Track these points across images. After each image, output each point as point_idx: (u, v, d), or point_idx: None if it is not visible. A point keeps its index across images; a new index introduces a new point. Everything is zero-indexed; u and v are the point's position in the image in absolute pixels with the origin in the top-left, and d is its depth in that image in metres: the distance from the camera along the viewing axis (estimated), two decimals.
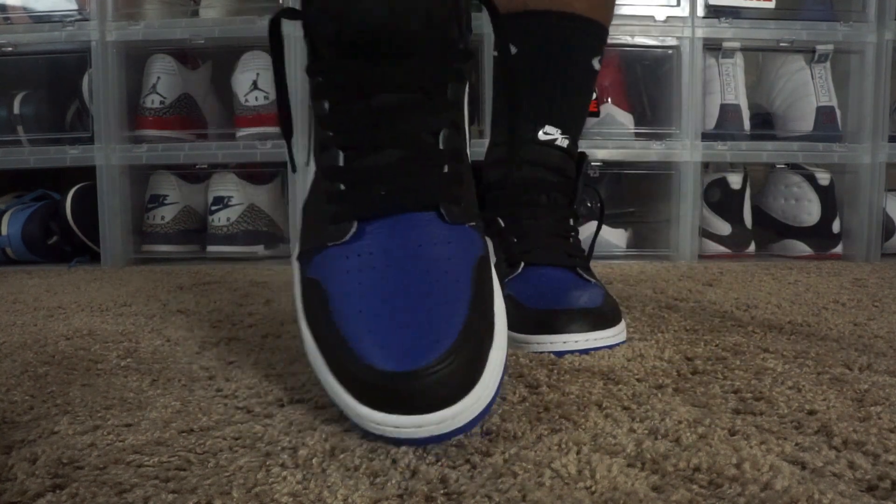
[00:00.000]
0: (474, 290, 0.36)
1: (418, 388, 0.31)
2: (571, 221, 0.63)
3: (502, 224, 0.62)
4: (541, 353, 0.51)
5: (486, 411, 0.34)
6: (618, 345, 0.52)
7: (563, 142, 0.63)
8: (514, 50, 0.63)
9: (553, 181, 0.62)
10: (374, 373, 0.32)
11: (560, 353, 0.50)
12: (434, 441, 0.32)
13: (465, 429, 0.33)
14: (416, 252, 0.37)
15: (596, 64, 0.66)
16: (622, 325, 0.54)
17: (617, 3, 1.22)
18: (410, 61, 0.37)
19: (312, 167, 0.41)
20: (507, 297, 0.54)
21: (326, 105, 0.38)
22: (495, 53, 0.68)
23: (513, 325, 0.51)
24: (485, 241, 0.40)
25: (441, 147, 0.39)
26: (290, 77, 1.13)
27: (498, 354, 0.35)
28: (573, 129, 0.65)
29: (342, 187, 0.38)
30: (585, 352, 0.50)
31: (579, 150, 0.66)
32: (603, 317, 0.52)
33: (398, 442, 0.32)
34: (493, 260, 0.61)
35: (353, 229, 0.37)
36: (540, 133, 0.62)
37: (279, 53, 0.41)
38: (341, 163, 0.38)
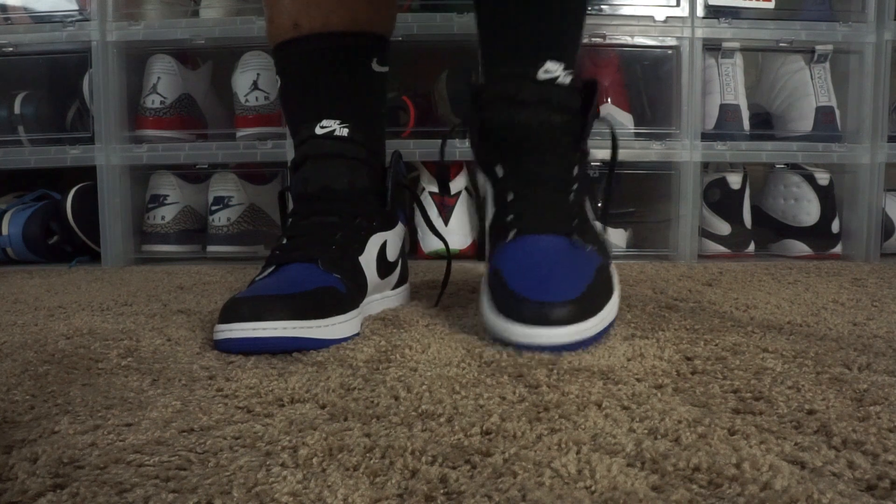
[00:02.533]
0: None
1: None
2: (576, 170, 0.60)
3: (500, 172, 0.60)
4: (531, 345, 0.50)
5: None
6: (600, 334, 0.52)
7: (565, 78, 0.58)
8: None
9: (557, 122, 0.58)
10: None
11: (542, 348, 0.50)
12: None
13: None
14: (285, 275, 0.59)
15: None
16: (608, 309, 0.53)
17: (617, 2, 1.23)
18: (335, 205, 0.65)
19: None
20: (494, 273, 0.55)
21: (289, 220, 0.66)
22: None
23: (506, 310, 0.52)
24: (335, 278, 0.60)
25: (336, 238, 0.63)
26: None
27: None
28: (574, 59, 0.60)
29: (277, 252, 0.63)
30: (570, 346, 0.50)
31: (585, 79, 0.61)
32: (587, 306, 0.51)
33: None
34: (491, 211, 0.62)
35: (270, 270, 0.61)
36: (540, 72, 0.58)
37: (286, 212, 0.69)
38: (285, 241, 0.64)
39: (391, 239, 0.69)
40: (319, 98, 0.69)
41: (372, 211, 0.67)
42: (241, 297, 0.54)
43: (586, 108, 0.59)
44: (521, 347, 0.50)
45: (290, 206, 0.68)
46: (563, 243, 0.56)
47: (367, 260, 0.65)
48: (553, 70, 0.58)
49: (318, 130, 0.66)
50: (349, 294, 0.59)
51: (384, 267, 0.68)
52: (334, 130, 0.66)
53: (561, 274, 0.53)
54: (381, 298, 0.70)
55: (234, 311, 0.52)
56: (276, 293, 0.54)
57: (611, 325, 0.55)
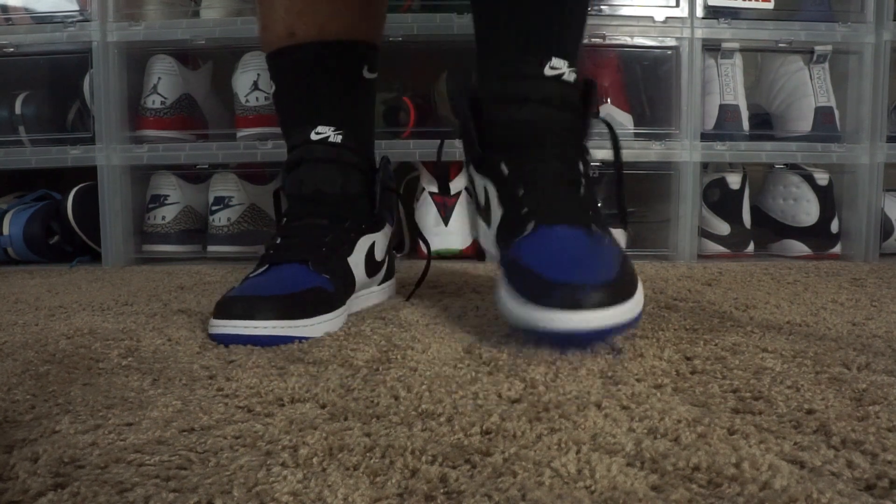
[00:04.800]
0: None
1: None
2: (581, 166, 0.58)
3: (506, 170, 0.58)
4: (565, 330, 0.47)
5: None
6: (636, 319, 0.50)
7: (570, 76, 0.58)
8: None
9: (561, 119, 0.58)
10: None
11: (584, 334, 0.47)
12: None
13: None
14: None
15: None
16: (639, 295, 0.51)
17: (617, 3, 1.23)
18: (326, 208, 0.68)
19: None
20: (514, 263, 0.52)
21: (283, 220, 0.69)
22: None
23: (534, 296, 0.48)
24: (323, 279, 0.62)
25: (327, 240, 0.66)
26: None
27: None
28: (577, 58, 0.60)
29: (271, 252, 0.65)
30: (608, 331, 0.48)
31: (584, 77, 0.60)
32: (621, 289, 0.49)
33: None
34: (498, 212, 0.59)
35: (263, 269, 0.64)
36: (546, 68, 0.57)
37: (280, 211, 0.71)
38: (279, 241, 0.66)
39: (379, 240, 0.73)
40: (314, 105, 0.71)
41: (361, 214, 0.71)
42: (234, 296, 0.58)
43: (586, 106, 0.59)
44: (554, 335, 0.47)
45: (285, 204, 0.71)
46: (582, 233, 0.54)
47: (356, 261, 0.69)
48: (559, 66, 0.57)
49: (314, 136, 0.69)
50: (336, 293, 0.63)
51: (372, 266, 0.72)
52: (328, 137, 0.69)
53: (589, 259, 0.51)
54: (369, 293, 0.74)
55: (228, 308, 0.56)
56: (267, 294, 0.58)
57: (640, 314, 0.51)
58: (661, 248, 1.25)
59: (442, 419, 0.37)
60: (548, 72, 0.57)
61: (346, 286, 0.66)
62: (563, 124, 0.58)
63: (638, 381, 0.44)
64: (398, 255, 0.89)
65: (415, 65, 1.35)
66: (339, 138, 0.69)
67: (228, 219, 1.22)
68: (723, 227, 1.25)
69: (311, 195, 0.68)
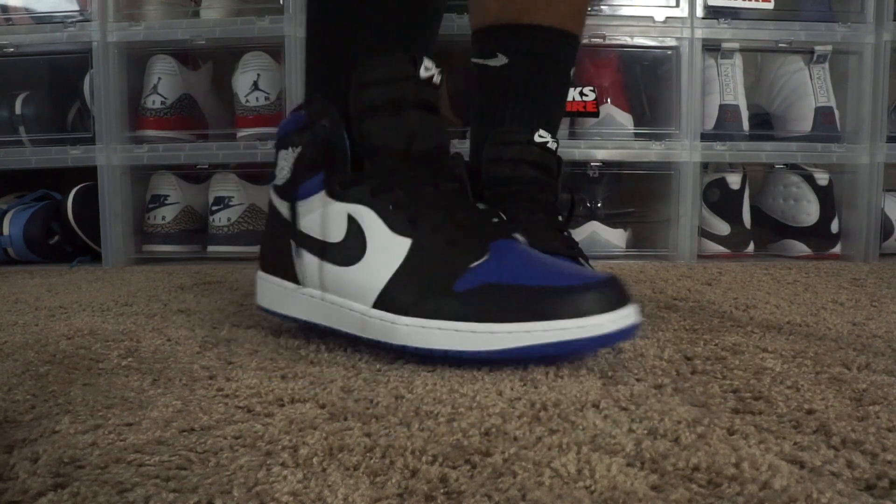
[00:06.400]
0: None
1: None
2: (560, 217, 0.69)
3: (504, 217, 0.67)
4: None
5: None
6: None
7: (552, 144, 0.70)
8: (504, 59, 0.70)
9: (545, 181, 0.69)
10: None
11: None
12: None
13: None
14: None
15: (571, 73, 0.75)
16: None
17: (617, 3, 1.23)
18: (449, 171, 0.53)
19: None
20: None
21: (395, 177, 0.50)
22: (475, 60, 0.73)
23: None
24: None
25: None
26: (290, 76, 1.14)
27: None
28: (556, 134, 0.73)
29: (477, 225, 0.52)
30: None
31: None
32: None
33: None
34: None
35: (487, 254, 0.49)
36: (535, 136, 0.69)
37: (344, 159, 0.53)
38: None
39: None
40: (423, 27, 0.53)
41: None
42: (603, 279, 0.45)
43: (557, 176, 0.71)
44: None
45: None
46: (574, 263, 0.62)
47: None
48: (545, 136, 0.69)
49: (424, 72, 0.51)
50: None
51: None
52: (433, 76, 0.52)
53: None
54: None
55: (616, 294, 0.44)
56: (602, 276, 0.45)
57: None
58: (662, 248, 1.25)
59: (442, 419, 0.37)
60: (537, 139, 0.69)
61: None
62: (547, 184, 0.69)
63: (638, 381, 0.44)
64: None
65: None
66: (439, 78, 0.53)
67: (228, 219, 1.22)
68: (723, 227, 1.25)
69: (431, 153, 0.52)
